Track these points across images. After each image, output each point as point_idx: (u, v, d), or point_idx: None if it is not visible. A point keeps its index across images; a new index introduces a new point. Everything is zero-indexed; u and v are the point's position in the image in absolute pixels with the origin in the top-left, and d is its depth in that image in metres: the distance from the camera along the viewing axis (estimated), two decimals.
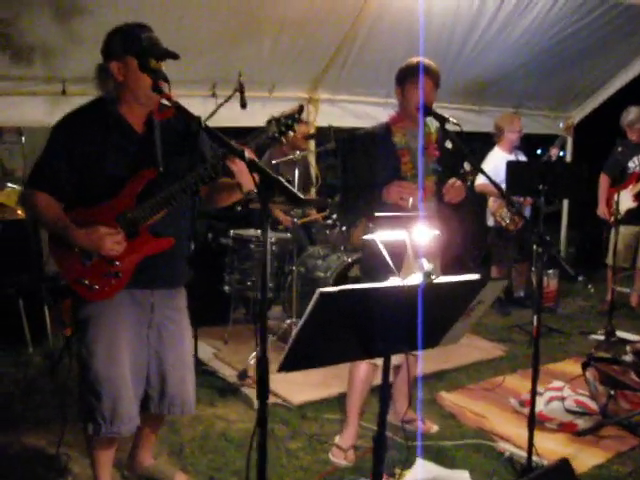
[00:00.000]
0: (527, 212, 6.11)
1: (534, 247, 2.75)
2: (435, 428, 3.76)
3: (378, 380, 2.27)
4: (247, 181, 2.39)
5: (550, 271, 6.28)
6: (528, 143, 7.74)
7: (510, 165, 5.19)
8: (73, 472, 3.12)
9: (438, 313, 2.09)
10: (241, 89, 3.96)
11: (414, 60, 3.28)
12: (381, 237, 1.93)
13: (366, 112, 6.32)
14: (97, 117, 2.51)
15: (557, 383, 4.01)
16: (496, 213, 6.05)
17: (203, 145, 2.69)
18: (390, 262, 1.84)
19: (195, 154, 2.65)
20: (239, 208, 5.30)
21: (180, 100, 5.95)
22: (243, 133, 2.48)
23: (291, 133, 2.49)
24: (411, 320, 1.97)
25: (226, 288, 5.11)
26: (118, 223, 2.46)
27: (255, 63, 5.38)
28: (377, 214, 2.02)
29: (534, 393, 3.01)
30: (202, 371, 4.39)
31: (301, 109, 2.52)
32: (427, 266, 1.88)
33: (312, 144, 6.18)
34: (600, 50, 6.58)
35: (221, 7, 4.79)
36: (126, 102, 2.52)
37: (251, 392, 4.07)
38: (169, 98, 2.29)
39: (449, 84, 6.39)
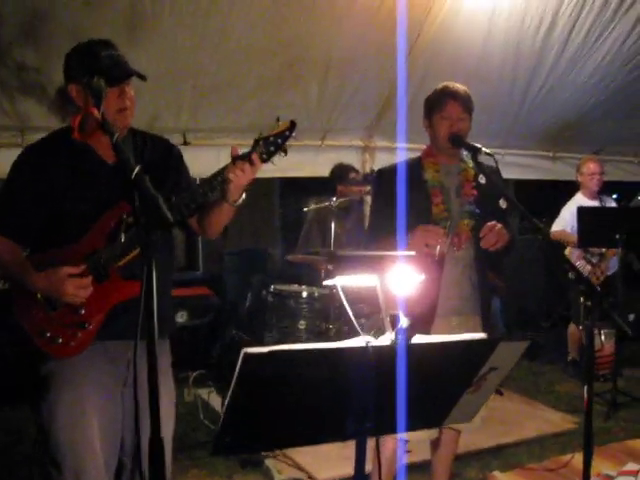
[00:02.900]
0: (613, 265, 5.27)
1: (580, 299, 2.22)
2: None
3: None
4: (235, 189, 2.16)
5: (604, 331, 5.26)
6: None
7: (581, 211, 4.65)
8: None
9: (430, 385, 1.63)
10: None
11: (438, 87, 2.88)
12: (344, 282, 1.50)
13: None
14: (61, 148, 2.25)
15: (633, 466, 3.38)
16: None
17: (185, 170, 2.45)
18: (352, 316, 1.41)
19: (179, 181, 2.38)
20: None
21: (225, 150, 5.64)
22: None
23: (283, 155, 2.14)
24: (390, 393, 1.53)
25: None
26: (86, 265, 2.15)
27: (303, 109, 5.06)
28: (339, 253, 1.59)
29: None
30: None
31: (293, 125, 2.12)
32: (403, 321, 1.44)
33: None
34: None
35: (262, 48, 4.54)
36: (90, 129, 2.22)
37: (274, 464, 3.64)
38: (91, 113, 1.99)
39: (517, 128, 5.91)
